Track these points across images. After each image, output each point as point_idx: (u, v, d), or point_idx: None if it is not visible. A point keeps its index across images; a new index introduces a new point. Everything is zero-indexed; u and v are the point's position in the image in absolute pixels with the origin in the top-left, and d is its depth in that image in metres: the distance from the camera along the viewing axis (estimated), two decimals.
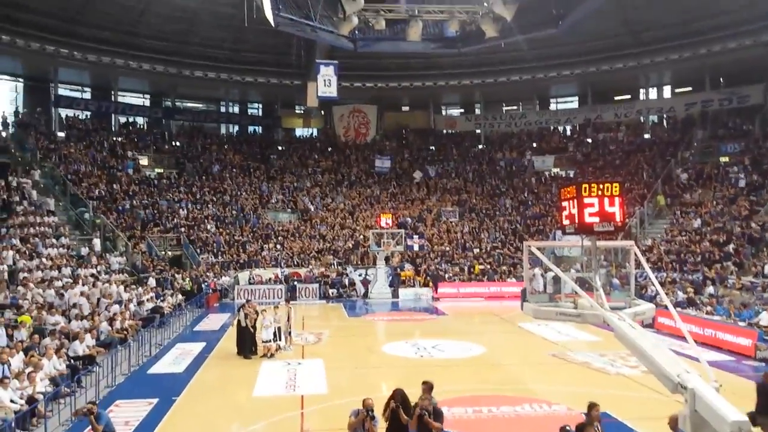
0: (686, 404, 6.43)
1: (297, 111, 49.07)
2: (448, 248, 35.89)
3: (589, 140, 44.14)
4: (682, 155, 37.58)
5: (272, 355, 17.25)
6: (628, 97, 45.26)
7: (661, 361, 6.97)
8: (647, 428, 10.70)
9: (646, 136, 43.38)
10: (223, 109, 48.35)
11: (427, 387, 9.00)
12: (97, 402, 10.84)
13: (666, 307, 13.37)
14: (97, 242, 28.04)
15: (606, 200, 8.22)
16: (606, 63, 40.54)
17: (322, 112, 47.89)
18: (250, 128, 49.01)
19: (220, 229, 35.52)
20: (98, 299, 20.55)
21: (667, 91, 44.55)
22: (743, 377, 14.52)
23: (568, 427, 8.13)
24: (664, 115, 43.57)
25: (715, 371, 7.04)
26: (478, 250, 35.69)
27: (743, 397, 9.08)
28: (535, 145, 45.63)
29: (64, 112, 40.06)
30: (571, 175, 41.22)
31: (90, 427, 9.76)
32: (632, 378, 14.31)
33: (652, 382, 10.44)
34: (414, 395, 9.03)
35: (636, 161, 39.46)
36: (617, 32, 38.32)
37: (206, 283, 30.05)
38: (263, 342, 17.43)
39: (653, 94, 44.98)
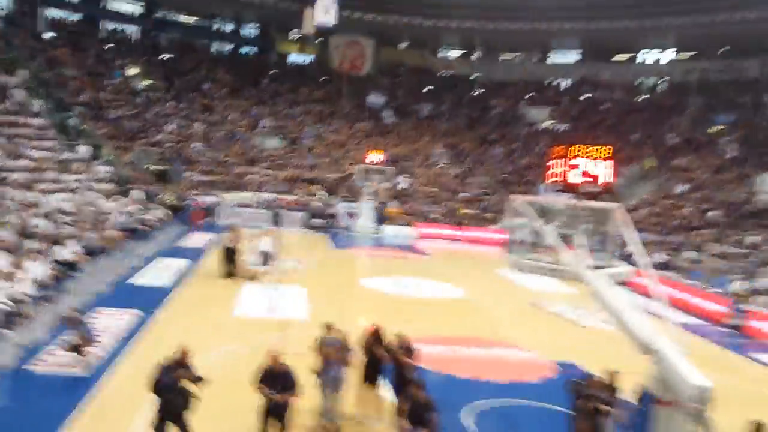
0: (654, 366, 6.74)
1: (292, 36, 47.92)
2: (435, 189, 36.05)
3: (585, 97, 44.01)
4: (675, 121, 37.72)
5: (253, 279, 17.46)
6: (628, 57, 44.93)
7: (633, 323, 7.26)
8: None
9: (641, 98, 43.33)
10: (216, 27, 47.03)
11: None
12: (79, 308, 11.05)
13: (643, 267, 13.75)
14: (83, 149, 27.58)
15: (595, 162, 8.34)
16: (608, 21, 40.02)
17: (318, 40, 46.81)
18: (243, 49, 47.89)
19: (208, 149, 35.20)
20: (83, 206, 20.47)
21: (666, 56, 44.28)
22: (713, 343, 15.14)
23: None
24: (661, 80, 43.45)
25: (685, 335, 7.35)
26: (465, 194, 35.88)
27: (709, 363, 9.51)
28: (530, 96, 45.36)
29: (51, 13, 38.66)
30: (563, 130, 41.24)
31: (71, 331, 10.00)
32: (604, 332, 14.78)
33: (623, 337, 10.83)
34: (390, 330, 9.41)
35: (629, 122, 39.55)
36: None
37: (191, 201, 29.96)
38: (250, 265, 17.60)
39: (653, 57, 44.68)
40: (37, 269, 13.21)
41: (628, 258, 19.56)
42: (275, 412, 7.61)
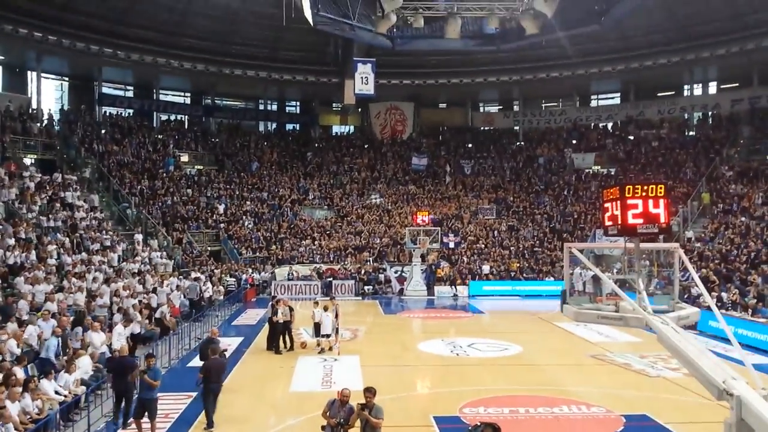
0: (732, 411, 6.23)
1: (334, 108, 49.24)
2: (484, 246, 35.62)
3: (631, 137, 43.27)
4: (728, 153, 36.57)
5: (306, 350, 17.20)
6: (672, 93, 44.19)
7: (706, 367, 6.77)
8: None
9: (690, 133, 42.33)
10: (261, 107, 48.96)
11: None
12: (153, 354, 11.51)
13: (709, 308, 13.01)
14: (139, 237, 28.56)
15: (650, 201, 8.00)
16: (649, 59, 39.58)
17: (359, 110, 47.96)
18: (288, 125, 49.52)
19: (258, 226, 35.96)
20: (139, 293, 20.93)
21: (712, 87, 43.30)
22: None
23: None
24: (710, 112, 42.38)
25: (762, 376, 6.81)
26: (515, 248, 35.33)
27: None
28: (574, 142, 44.92)
29: (107, 110, 41.08)
30: (612, 173, 40.47)
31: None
32: (674, 381, 13.99)
33: (694, 385, 10.12)
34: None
35: (679, 159, 38.53)
36: (661, 27, 37.39)
37: (244, 279, 30.44)
38: (303, 337, 17.46)
39: (698, 90, 43.78)
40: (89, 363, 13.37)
41: (693, 299, 18.64)
42: None
